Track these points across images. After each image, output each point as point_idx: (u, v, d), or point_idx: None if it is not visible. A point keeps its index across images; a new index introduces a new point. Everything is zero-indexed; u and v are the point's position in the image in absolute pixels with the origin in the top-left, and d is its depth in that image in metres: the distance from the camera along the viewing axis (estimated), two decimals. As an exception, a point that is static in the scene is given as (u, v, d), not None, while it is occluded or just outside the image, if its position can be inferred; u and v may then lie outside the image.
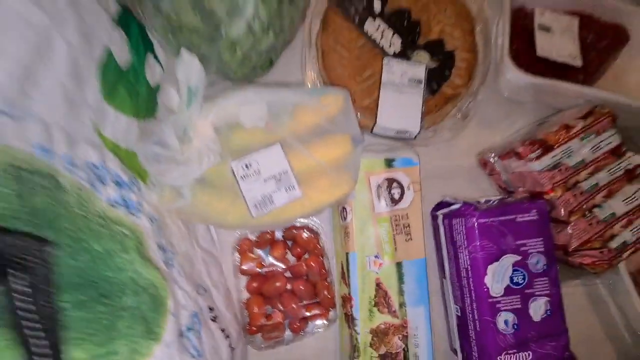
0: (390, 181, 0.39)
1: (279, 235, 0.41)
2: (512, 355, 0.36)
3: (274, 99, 0.35)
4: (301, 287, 0.40)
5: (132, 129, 0.32)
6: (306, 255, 0.41)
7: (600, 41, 0.47)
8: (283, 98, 0.35)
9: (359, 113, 0.43)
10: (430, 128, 0.45)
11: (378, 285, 0.38)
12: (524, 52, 0.46)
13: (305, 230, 0.41)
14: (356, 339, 0.38)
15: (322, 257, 0.41)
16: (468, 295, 0.38)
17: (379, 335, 0.38)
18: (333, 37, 0.43)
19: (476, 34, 0.46)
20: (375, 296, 0.38)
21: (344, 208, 0.39)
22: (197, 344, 0.27)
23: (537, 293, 0.37)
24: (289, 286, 0.40)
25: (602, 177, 0.39)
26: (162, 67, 0.38)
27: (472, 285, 0.37)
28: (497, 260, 0.37)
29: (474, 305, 0.37)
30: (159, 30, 0.32)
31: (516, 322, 0.36)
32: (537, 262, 0.37)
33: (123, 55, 0.31)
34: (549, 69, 0.45)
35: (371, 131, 0.43)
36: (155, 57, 0.37)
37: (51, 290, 0.19)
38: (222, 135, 0.34)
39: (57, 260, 0.20)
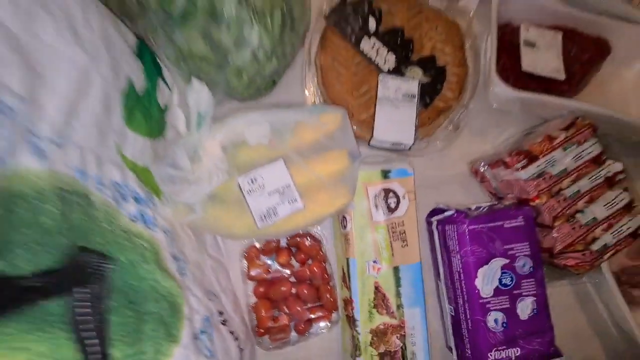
0: (387, 191, 0.42)
1: (283, 242, 0.44)
2: (501, 351, 0.39)
3: (277, 118, 0.38)
4: (305, 291, 0.43)
5: (147, 148, 0.35)
6: (309, 261, 0.44)
7: (584, 54, 0.50)
8: (285, 117, 0.38)
9: (357, 126, 0.46)
10: (424, 139, 0.48)
11: (377, 288, 0.41)
12: (511, 66, 0.49)
13: (308, 237, 0.44)
14: (357, 338, 0.41)
15: (325, 262, 0.44)
16: (461, 297, 0.41)
17: (379, 335, 0.41)
18: (331, 55, 0.46)
19: (466, 49, 0.49)
20: (374, 299, 0.41)
21: (344, 217, 0.42)
22: (210, 346, 0.30)
23: (524, 293, 0.40)
24: (293, 290, 0.43)
25: (584, 184, 0.42)
26: (169, 89, 0.41)
27: (464, 287, 0.40)
28: (486, 263, 0.40)
29: (466, 305, 0.40)
30: (171, 58, 0.35)
31: (505, 321, 0.39)
32: (523, 264, 0.40)
33: (140, 82, 0.34)
34: (534, 81, 0.48)
35: (368, 143, 0.46)
36: (164, 80, 0.40)
37: (103, 297, 0.22)
38: (228, 153, 0.37)
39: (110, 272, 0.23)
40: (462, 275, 0.40)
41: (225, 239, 0.44)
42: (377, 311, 0.41)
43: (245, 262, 0.44)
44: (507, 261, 0.40)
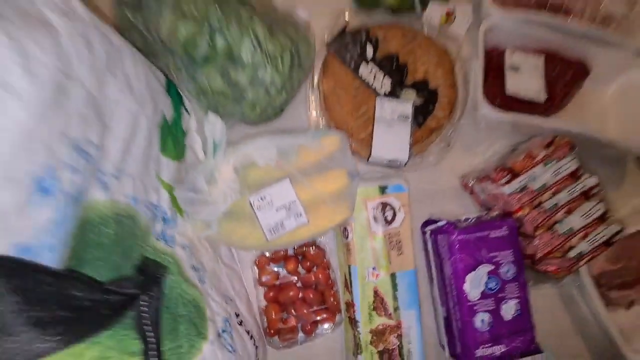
0: (384, 205, 0.48)
1: (291, 251, 0.50)
2: (487, 348, 0.44)
3: (282, 142, 0.43)
4: (311, 295, 0.48)
5: (174, 170, 0.41)
6: (315, 268, 0.50)
7: (565, 74, 0.55)
8: (290, 141, 0.44)
9: (356, 145, 0.51)
10: (418, 155, 0.53)
11: (376, 292, 0.47)
12: (498, 86, 0.54)
13: (313, 247, 0.49)
14: (358, 338, 0.46)
15: (328, 269, 0.50)
16: (451, 300, 0.46)
17: (378, 334, 0.46)
18: (333, 80, 0.51)
19: (456, 73, 0.54)
20: (374, 302, 0.46)
21: (345, 228, 0.48)
22: (231, 342, 0.36)
23: (508, 296, 0.45)
24: (300, 295, 0.48)
25: (562, 197, 0.47)
26: (188, 114, 0.46)
27: (454, 291, 0.45)
28: (474, 269, 0.45)
29: (456, 307, 0.45)
30: (192, 92, 0.40)
31: (491, 321, 0.44)
32: (507, 270, 0.45)
33: (169, 113, 0.40)
34: (519, 101, 0.53)
35: (367, 160, 0.51)
36: (185, 107, 0.46)
37: (159, 300, 0.28)
38: (240, 174, 0.43)
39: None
40: (452, 280, 0.45)
41: (239, 249, 0.49)
42: (376, 313, 0.46)
43: (257, 269, 0.49)
44: (493, 267, 0.45)
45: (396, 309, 0.46)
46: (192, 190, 0.39)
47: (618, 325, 0.52)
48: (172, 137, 0.40)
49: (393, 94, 0.52)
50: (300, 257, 0.50)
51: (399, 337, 0.46)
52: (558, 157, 0.47)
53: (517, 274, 0.45)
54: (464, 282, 0.45)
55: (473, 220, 0.48)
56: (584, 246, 0.46)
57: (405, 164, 0.51)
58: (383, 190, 0.48)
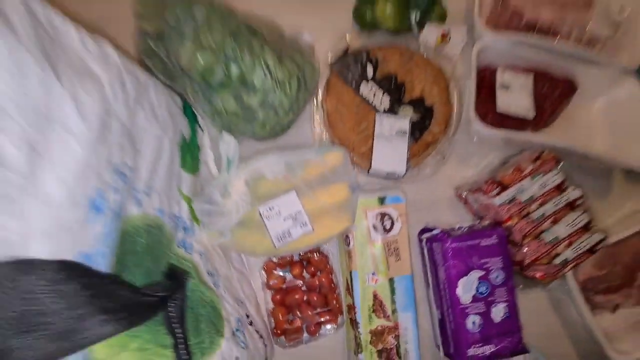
0: (383, 215, 0.52)
1: (296, 257, 0.54)
2: (478, 348, 0.48)
3: (289, 157, 0.48)
4: (315, 298, 0.52)
5: (191, 183, 0.45)
6: (319, 273, 0.54)
7: (554, 92, 0.59)
8: (296, 156, 0.48)
9: (357, 158, 0.55)
10: (415, 168, 0.57)
11: (375, 296, 0.51)
12: (490, 103, 0.58)
13: (317, 253, 0.54)
14: (359, 338, 0.50)
15: (331, 274, 0.54)
16: (445, 303, 0.50)
17: (377, 335, 0.50)
18: (335, 99, 0.56)
19: (450, 90, 0.58)
20: (373, 304, 0.50)
21: (347, 236, 0.52)
22: (244, 340, 0.40)
23: (497, 300, 0.49)
24: (305, 298, 0.52)
25: (549, 208, 0.51)
26: (202, 130, 0.51)
27: (447, 295, 0.50)
28: (466, 275, 0.49)
29: (450, 310, 0.49)
30: (208, 113, 0.45)
31: (481, 323, 0.48)
32: (497, 276, 0.49)
33: (186, 132, 0.44)
34: (510, 117, 0.57)
35: (367, 173, 0.56)
36: (199, 124, 0.50)
37: (184, 300, 0.32)
38: (250, 187, 0.47)
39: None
40: (446, 284, 0.50)
41: (249, 256, 0.53)
42: (376, 315, 0.50)
43: (265, 274, 0.53)
44: (483, 273, 0.49)
45: (394, 311, 0.50)
46: (208, 203, 0.43)
47: (604, 327, 0.56)
48: (190, 153, 0.45)
49: (392, 110, 0.56)
50: (305, 263, 0.54)
51: (397, 337, 0.50)
52: (544, 171, 0.51)
53: (506, 280, 0.49)
54: (456, 287, 0.49)
55: (465, 229, 0.52)
56: (568, 253, 0.50)
57: (403, 176, 0.55)
58: (382, 201, 0.52)
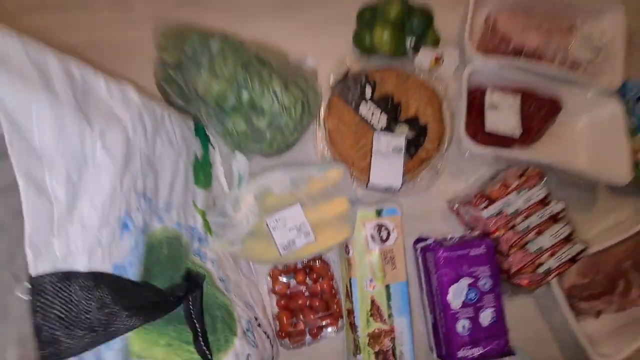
0: (380, 226, 0.56)
1: (300, 265, 0.58)
2: (468, 350, 0.52)
3: (294, 174, 0.53)
4: (317, 303, 0.57)
5: (204, 198, 0.50)
6: (320, 280, 0.58)
7: (540, 111, 0.63)
8: (300, 172, 0.53)
9: (357, 173, 0.60)
10: (410, 182, 0.62)
11: (372, 301, 0.55)
12: (480, 122, 0.62)
13: (319, 261, 0.58)
14: (358, 340, 0.54)
15: (332, 280, 0.58)
16: (437, 308, 0.54)
17: (374, 337, 0.55)
18: (336, 118, 0.61)
19: (443, 110, 0.63)
20: (371, 309, 0.55)
21: (346, 245, 0.56)
22: (254, 339, 0.45)
23: (485, 306, 0.53)
24: (308, 303, 0.57)
25: (533, 220, 0.55)
26: (213, 148, 0.56)
27: (439, 301, 0.54)
28: (456, 282, 0.53)
29: (441, 315, 0.54)
30: (220, 133, 0.50)
31: (470, 327, 0.53)
32: (485, 283, 0.54)
33: (199, 152, 0.49)
34: (498, 135, 0.61)
35: (366, 186, 0.60)
36: (211, 143, 0.55)
37: (201, 299, 0.37)
38: (259, 200, 0.52)
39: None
40: (438, 291, 0.54)
41: (256, 263, 0.58)
42: (373, 319, 0.55)
43: (270, 280, 0.58)
44: (472, 280, 0.53)
45: (390, 315, 0.55)
46: (221, 215, 0.48)
47: (588, 332, 0.60)
48: (203, 171, 0.50)
49: (388, 129, 0.61)
50: (308, 270, 0.59)
51: (392, 339, 0.55)
52: (529, 186, 0.56)
53: (494, 287, 0.54)
54: (447, 293, 0.53)
55: (456, 239, 0.56)
56: (552, 263, 0.54)
57: (399, 189, 0.60)
58: (379, 213, 0.57)
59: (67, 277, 0.28)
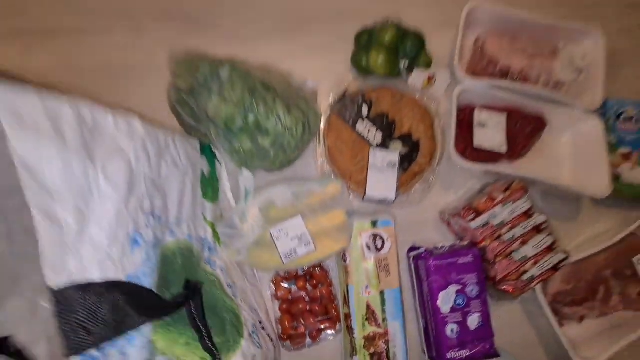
0: (375, 236, 0.61)
1: (301, 272, 0.63)
2: (456, 352, 0.57)
3: (296, 188, 0.57)
4: (317, 308, 0.61)
5: (212, 211, 0.55)
6: (320, 286, 0.63)
7: (526, 127, 0.68)
8: (301, 187, 0.58)
9: (355, 186, 0.65)
10: (404, 195, 0.66)
11: (368, 306, 0.59)
12: (470, 139, 0.67)
13: (319, 268, 0.63)
14: (354, 342, 0.59)
15: (331, 286, 0.63)
16: (428, 313, 0.59)
17: (369, 340, 0.59)
18: (335, 135, 0.65)
19: (435, 127, 0.67)
20: (366, 314, 0.59)
21: (344, 254, 0.61)
22: (258, 341, 0.49)
23: (472, 311, 0.58)
24: (308, 307, 0.61)
25: (518, 231, 0.59)
26: (220, 163, 0.60)
27: (430, 306, 0.58)
28: (445, 288, 0.58)
29: (432, 319, 0.58)
30: (228, 151, 0.55)
31: (458, 330, 0.57)
32: (472, 290, 0.58)
33: (206, 169, 0.54)
34: (487, 151, 0.66)
35: (363, 199, 0.65)
36: (217, 159, 0.60)
37: (202, 306, 0.41)
38: (263, 213, 0.57)
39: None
40: (428, 297, 0.58)
41: (260, 271, 0.62)
42: (368, 323, 0.59)
43: (273, 286, 0.62)
44: (460, 287, 0.58)
45: (384, 319, 0.59)
46: (230, 227, 0.53)
47: (572, 336, 0.65)
48: (211, 186, 0.55)
49: (383, 145, 0.65)
50: (308, 277, 0.63)
51: (386, 342, 0.59)
52: (514, 200, 0.60)
53: (480, 293, 0.58)
54: (437, 299, 0.57)
55: (446, 248, 0.61)
56: (535, 271, 0.59)
57: (393, 202, 0.65)
58: (374, 224, 0.61)
59: (82, 287, 0.34)
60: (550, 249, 0.60)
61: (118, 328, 0.35)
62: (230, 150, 0.54)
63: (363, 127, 0.66)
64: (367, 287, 0.60)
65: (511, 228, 0.60)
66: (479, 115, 0.66)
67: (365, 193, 0.64)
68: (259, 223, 0.56)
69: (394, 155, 0.65)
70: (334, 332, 0.61)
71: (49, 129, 0.31)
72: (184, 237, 0.44)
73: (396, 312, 0.60)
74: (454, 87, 0.67)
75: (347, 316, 0.60)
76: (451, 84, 0.69)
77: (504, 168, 0.64)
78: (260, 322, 0.55)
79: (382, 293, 0.60)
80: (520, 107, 0.68)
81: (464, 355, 0.57)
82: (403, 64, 0.67)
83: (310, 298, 0.62)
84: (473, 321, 0.58)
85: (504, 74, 0.68)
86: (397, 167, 0.64)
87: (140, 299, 0.37)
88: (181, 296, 0.41)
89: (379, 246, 0.61)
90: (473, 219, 0.60)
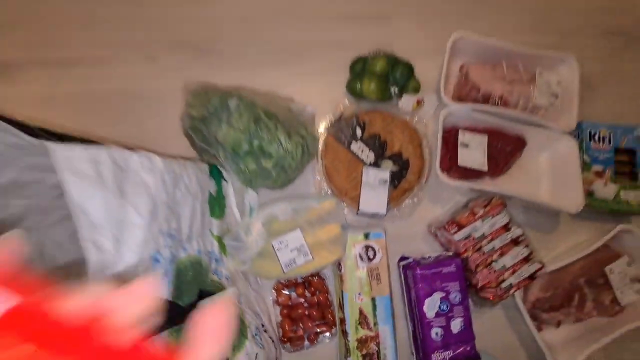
0: (367, 247, 0.67)
1: (300, 280, 0.69)
2: (440, 353, 0.62)
3: (295, 204, 0.64)
4: (314, 313, 0.67)
5: (219, 226, 0.61)
6: (317, 293, 0.69)
7: (507, 147, 0.75)
8: (300, 203, 0.64)
9: (349, 200, 0.71)
10: (395, 209, 0.72)
11: (361, 311, 0.66)
12: (455, 157, 0.73)
13: (316, 277, 0.69)
14: (348, 345, 0.65)
15: (327, 293, 0.69)
16: (415, 318, 0.65)
17: (362, 342, 0.65)
18: (332, 155, 0.72)
19: (423, 147, 0.74)
20: (359, 318, 0.65)
21: (339, 264, 0.67)
22: (261, 342, 0.55)
23: (455, 316, 0.64)
24: (306, 312, 0.67)
25: (497, 243, 0.66)
26: (226, 182, 0.67)
27: (417, 311, 0.64)
28: (430, 295, 0.64)
29: (418, 324, 0.64)
30: (234, 171, 0.61)
31: (442, 334, 0.63)
32: (455, 296, 0.64)
33: (213, 189, 0.61)
34: (470, 170, 0.72)
35: (357, 213, 0.71)
36: (224, 178, 0.67)
37: None
38: (266, 226, 0.63)
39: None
40: (415, 303, 0.64)
41: (263, 279, 0.69)
42: (361, 327, 0.65)
43: (275, 292, 0.69)
44: (444, 294, 0.64)
45: (375, 324, 0.65)
46: (236, 240, 0.60)
47: (549, 341, 0.70)
48: (217, 204, 0.61)
49: (376, 164, 0.72)
50: (306, 284, 0.69)
51: (378, 344, 0.65)
52: (493, 214, 0.66)
53: (462, 299, 0.64)
54: (423, 305, 0.64)
55: (432, 258, 0.67)
56: (513, 279, 0.65)
57: (385, 215, 0.71)
58: (367, 236, 0.68)
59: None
60: (526, 259, 0.66)
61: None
62: (237, 170, 0.61)
63: (357, 147, 0.73)
64: (359, 294, 0.66)
65: (491, 240, 0.66)
66: (462, 136, 0.73)
67: (359, 208, 0.70)
68: (262, 236, 0.62)
69: (385, 173, 0.71)
70: (330, 335, 0.67)
71: (92, 174, 0.38)
72: (194, 252, 0.51)
73: (386, 317, 0.66)
74: (440, 110, 0.74)
75: (342, 320, 0.66)
76: (438, 107, 0.76)
77: (486, 185, 0.71)
78: (262, 325, 0.61)
79: (373, 299, 0.66)
80: (501, 128, 0.75)
81: (448, 357, 0.63)
82: (393, 90, 0.74)
83: (309, 304, 0.68)
84: (456, 325, 0.64)
85: (486, 98, 0.74)
86: (388, 184, 0.71)
87: (164, 308, 0.43)
88: (196, 304, 0.48)
89: (371, 256, 0.67)
90: (456, 232, 0.66)
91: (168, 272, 0.46)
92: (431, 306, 0.63)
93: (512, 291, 0.65)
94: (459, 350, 0.63)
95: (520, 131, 0.75)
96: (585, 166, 0.74)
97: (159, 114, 0.72)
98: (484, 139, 0.73)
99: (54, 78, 0.74)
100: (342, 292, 0.66)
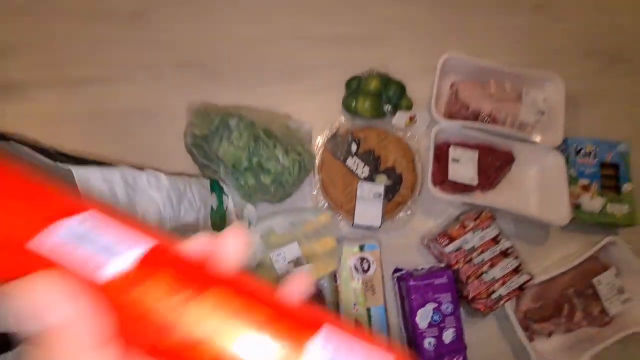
0: (362, 259, 0.70)
1: (297, 291, 0.71)
2: (433, 363, 0.64)
3: (292, 218, 0.67)
4: (311, 323, 0.69)
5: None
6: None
7: (496, 161, 0.78)
8: (297, 216, 0.67)
9: (345, 213, 0.74)
10: (389, 221, 0.75)
11: (356, 321, 0.68)
12: (446, 172, 0.76)
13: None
14: (344, 355, 0.67)
15: (324, 304, 0.71)
16: (409, 328, 0.67)
17: (357, 352, 0.67)
18: (328, 170, 0.75)
19: (416, 162, 0.77)
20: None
21: (335, 275, 0.70)
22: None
23: (447, 326, 0.66)
24: (303, 323, 0.69)
25: (487, 255, 0.68)
26: (227, 195, 0.70)
27: (410, 322, 0.66)
28: (423, 306, 0.66)
29: (412, 334, 0.66)
30: (234, 186, 0.64)
31: (435, 344, 0.65)
32: (447, 307, 0.66)
33: (215, 204, 0.64)
34: (461, 184, 0.75)
35: (352, 225, 0.74)
36: (224, 193, 0.70)
37: None
38: (264, 239, 0.66)
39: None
40: (409, 314, 0.67)
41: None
42: (356, 337, 0.67)
43: (273, 304, 0.71)
44: (437, 305, 0.66)
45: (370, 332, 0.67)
46: (235, 253, 0.62)
47: (541, 350, 0.72)
48: (219, 216, 0.64)
49: (370, 178, 0.75)
50: (303, 295, 0.72)
51: (373, 354, 0.67)
52: (483, 227, 0.69)
53: (454, 310, 0.66)
54: (416, 316, 0.66)
55: (425, 270, 0.69)
56: (502, 290, 0.67)
57: (379, 228, 0.74)
58: (362, 248, 0.70)
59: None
60: (516, 271, 0.68)
61: None
62: (237, 186, 0.64)
63: (352, 162, 0.76)
64: (355, 304, 0.68)
65: (481, 252, 0.68)
66: (453, 152, 0.76)
67: (354, 220, 0.73)
68: (261, 248, 0.65)
69: (379, 187, 0.74)
70: (326, 345, 0.69)
71: (107, 193, 0.41)
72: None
73: (381, 326, 0.68)
74: (432, 127, 0.77)
75: (338, 331, 0.68)
76: (430, 123, 0.79)
77: (476, 199, 0.74)
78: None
79: (368, 310, 0.68)
80: (490, 144, 0.78)
81: (440, 366, 0.65)
82: (387, 107, 0.78)
83: (306, 314, 0.70)
84: (448, 335, 0.66)
85: (475, 116, 0.77)
86: (382, 197, 0.74)
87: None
88: None
89: (366, 268, 0.69)
90: (447, 244, 0.68)
91: None
92: (424, 317, 0.66)
93: (502, 302, 0.67)
94: (451, 360, 0.65)
95: (509, 147, 0.78)
96: (572, 180, 0.77)
97: (164, 132, 0.75)
98: (474, 155, 0.76)
99: (63, 97, 0.77)
100: (338, 302, 0.68)
